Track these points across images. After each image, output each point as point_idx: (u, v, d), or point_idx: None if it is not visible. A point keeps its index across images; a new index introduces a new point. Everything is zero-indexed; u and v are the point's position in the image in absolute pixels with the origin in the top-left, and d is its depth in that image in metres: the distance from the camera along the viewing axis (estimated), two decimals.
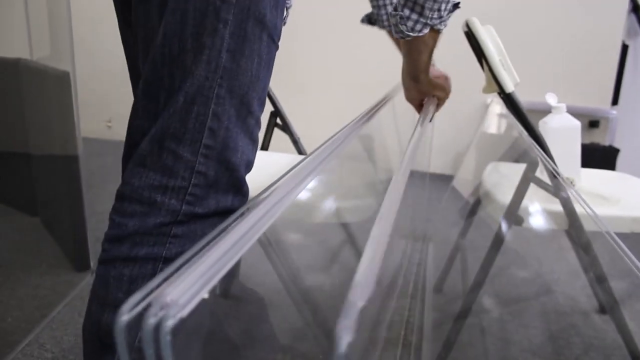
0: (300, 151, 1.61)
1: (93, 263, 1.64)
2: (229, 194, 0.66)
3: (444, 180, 2.55)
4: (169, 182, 0.63)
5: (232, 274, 1.08)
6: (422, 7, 0.83)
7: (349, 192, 1.27)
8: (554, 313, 1.54)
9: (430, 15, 0.84)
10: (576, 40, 2.66)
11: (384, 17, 1.11)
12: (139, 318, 0.27)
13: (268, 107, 1.51)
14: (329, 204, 1.19)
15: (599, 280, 1.25)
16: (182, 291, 0.28)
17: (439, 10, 0.84)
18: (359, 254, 1.54)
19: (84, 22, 3.06)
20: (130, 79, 0.84)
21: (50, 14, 1.80)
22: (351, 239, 1.52)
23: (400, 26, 0.86)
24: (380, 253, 0.33)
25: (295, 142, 1.61)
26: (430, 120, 0.97)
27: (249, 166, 0.68)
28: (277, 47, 0.69)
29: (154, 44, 0.62)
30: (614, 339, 1.37)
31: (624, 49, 2.67)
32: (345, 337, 0.25)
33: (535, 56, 2.68)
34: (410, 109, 1.07)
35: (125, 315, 0.27)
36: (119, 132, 3.36)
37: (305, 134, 1.67)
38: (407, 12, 0.84)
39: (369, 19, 1.17)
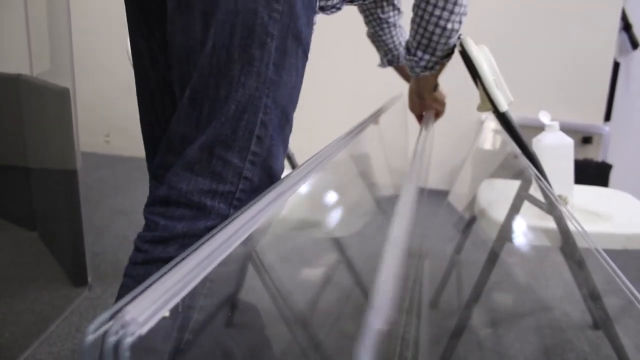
0: (293, 166, 1.63)
1: (90, 278, 1.65)
2: None
3: (439, 195, 2.56)
4: (218, 187, 0.66)
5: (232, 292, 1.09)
6: (434, 49, 0.96)
7: (337, 205, 1.28)
8: (548, 328, 1.55)
9: (441, 55, 0.96)
10: (569, 57, 2.70)
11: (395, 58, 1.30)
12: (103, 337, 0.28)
13: None
14: (316, 217, 1.20)
15: (592, 296, 1.26)
16: (141, 310, 0.29)
17: (448, 47, 0.94)
18: (351, 270, 1.54)
19: (84, 37, 3.08)
20: (137, 88, 0.85)
21: (50, 29, 1.82)
22: (342, 254, 1.53)
23: (415, 69, 1.02)
24: (395, 275, 0.34)
25: (289, 157, 1.63)
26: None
27: (282, 172, 0.72)
28: (307, 60, 0.73)
29: (198, 54, 0.65)
30: (608, 355, 1.38)
31: (616, 66, 2.71)
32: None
33: (528, 73, 2.71)
34: (402, 122, 1.16)
35: (90, 335, 0.28)
36: (117, 146, 3.36)
37: (302, 148, 1.68)
38: (420, 54, 0.98)
39: (389, 62, 1.31)
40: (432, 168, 2.60)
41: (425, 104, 1.16)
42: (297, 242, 1.44)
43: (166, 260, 0.65)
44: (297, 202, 1.20)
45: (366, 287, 1.58)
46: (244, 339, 1.09)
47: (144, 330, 0.28)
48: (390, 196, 1.95)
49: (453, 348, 1.28)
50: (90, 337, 0.28)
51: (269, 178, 0.69)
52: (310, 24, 0.71)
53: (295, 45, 0.68)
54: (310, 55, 0.73)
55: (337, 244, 1.48)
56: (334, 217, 1.23)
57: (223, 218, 0.66)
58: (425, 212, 2.41)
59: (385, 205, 1.79)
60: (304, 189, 0.63)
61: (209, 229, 0.66)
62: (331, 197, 1.26)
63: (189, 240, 0.65)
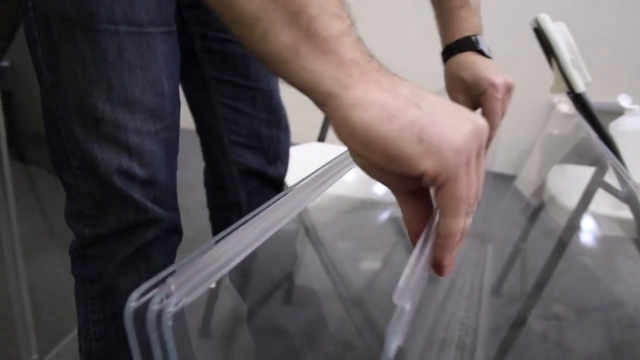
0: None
1: None
2: (127, 209, 0.64)
3: (505, 179, 2.48)
4: (72, 207, 0.66)
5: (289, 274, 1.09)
6: None
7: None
8: (618, 324, 1.48)
9: None
10: None
11: None
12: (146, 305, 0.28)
13: None
14: (376, 197, 1.18)
15: None
16: (186, 279, 0.29)
17: None
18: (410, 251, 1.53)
19: None
20: None
21: None
22: (401, 234, 1.51)
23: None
24: (425, 255, 0.33)
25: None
26: None
27: (126, 174, 0.62)
28: (102, 36, 0.57)
29: None
30: None
31: None
32: (394, 340, 0.26)
33: (608, 54, 2.56)
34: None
35: (133, 302, 0.28)
36: None
37: None
38: None
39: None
40: (499, 151, 2.52)
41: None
42: (357, 222, 1.43)
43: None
44: (356, 182, 1.19)
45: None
46: (300, 317, 1.09)
47: (188, 300, 0.28)
48: None
49: (514, 338, 1.25)
50: (134, 305, 0.28)
51: (107, 187, 0.62)
52: None
53: (67, 29, 0.56)
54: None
55: (397, 223, 1.46)
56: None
57: (82, 238, 0.67)
58: (490, 196, 2.35)
59: None
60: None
61: (75, 250, 0.69)
62: None
63: (70, 259, 0.70)
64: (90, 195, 0.63)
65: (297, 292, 1.11)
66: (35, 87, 0.62)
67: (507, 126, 2.65)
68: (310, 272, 1.40)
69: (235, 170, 0.87)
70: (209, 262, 0.31)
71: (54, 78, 0.59)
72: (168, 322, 0.27)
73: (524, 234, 1.55)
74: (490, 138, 0.60)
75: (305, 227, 1.15)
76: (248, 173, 0.88)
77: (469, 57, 0.68)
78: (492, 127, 0.63)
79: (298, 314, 1.12)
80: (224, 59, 0.80)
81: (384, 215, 1.37)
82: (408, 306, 0.27)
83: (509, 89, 0.65)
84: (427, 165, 0.31)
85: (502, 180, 2.52)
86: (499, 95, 0.63)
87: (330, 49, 0.32)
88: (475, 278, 1.71)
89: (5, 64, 2.35)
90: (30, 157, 2.16)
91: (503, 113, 0.66)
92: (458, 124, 0.32)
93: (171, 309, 0.27)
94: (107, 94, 0.58)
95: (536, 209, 1.48)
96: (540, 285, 1.18)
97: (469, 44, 0.68)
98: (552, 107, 2.54)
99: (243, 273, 0.98)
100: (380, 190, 1.18)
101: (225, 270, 0.31)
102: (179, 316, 0.28)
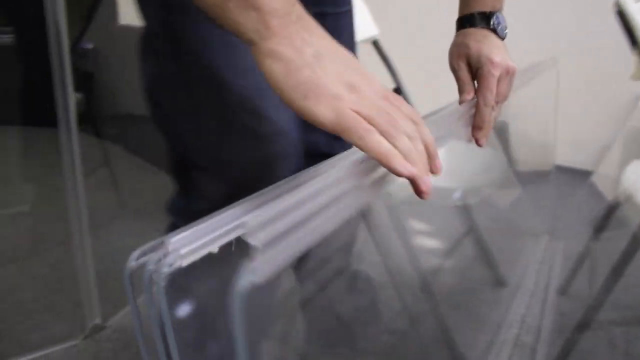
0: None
1: None
2: None
3: (580, 175, 2.36)
4: (197, 205, 0.71)
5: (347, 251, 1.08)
6: None
7: (465, 171, 1.21)
8: None
9: None
10: None
11: None
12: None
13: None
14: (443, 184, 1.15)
15: None
16: (186, 242, 0.29)
17: None
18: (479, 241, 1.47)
19: None
20: None
21: None
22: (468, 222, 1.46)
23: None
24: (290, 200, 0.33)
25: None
26: None
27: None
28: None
29: None
30: None
31: None
32: (246, 277, 0.30)
33: None
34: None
35: (132, 262, 0.29)
36: None
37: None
38: None
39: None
40: (572, 145, 2.39)
41: None
42: (418, 210, 1.39)
43: None
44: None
45: (492, 260, 1.50)
46: (355, 303, 1.09)
47: (184, 262, 0.29)
48: (527, 172, 1.83)
49: (576, 341, 1.18)
50: (133, 264, 0.29)
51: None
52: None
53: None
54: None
55: (464, 211, 1.42)
56: (459, 184, 1.17)
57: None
58: (562, 192, 2.24)
59: (523, 179, 1.69)
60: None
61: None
62: (460, 163, 1.20)
63: None
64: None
65: (353, 277, 1.10)
66: (115, 70, 0.65)
67: (582, 119, 2.50)
68: (368, 258, 1.39)
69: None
70: (212, 227, 0.31)
71: (177, 70, 0.62)
72: (161, 283, 0.27)
73: (597, 233, 1.47)
74: (483, 116, 0.63)
75: (363, 213, 1.13)
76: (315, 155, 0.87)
77: (480, 32, 0.67)
78: (485, 104, 0.63)
79: (353, 299, 1.11)
80: None
81: (448, 204, 1.33)
82: (259, 244, 0.29)
83: (508, 71, 0.64)
84: (311, 117, 0.39)
85: (575, 176, 2.40)
86: (496, 72, 0.63)
87: (252, 3, 0.39)
88: (541, 276, 1.64)
89: (90, 46, 2.47)
90: (108, 135, 2.26)
91: (503, 96, 0.65)
92: (343, 88, 0.39)
93: (165, 269, 0.28)
94: (241, 82, 0.61)
95: (611, 207, 1.40)
96: (608, 287, 1.12)
97: (483, 20, 0.68)
98: (637, 99, 2.37)
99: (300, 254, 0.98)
100: (444, 178, 1.14)
101: (230, 237, 0.31)
102: (176, 277, 0.28)
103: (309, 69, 0.39)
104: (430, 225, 1.62)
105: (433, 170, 0.43)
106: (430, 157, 0.42)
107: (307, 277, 1.00)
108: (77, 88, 2.19)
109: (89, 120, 2.20)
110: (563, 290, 1.54)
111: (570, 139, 2.29)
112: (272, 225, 0.32)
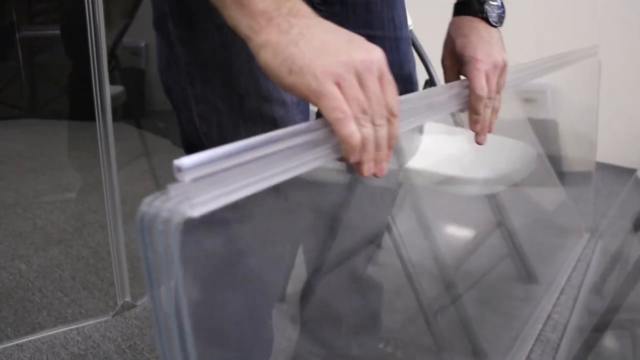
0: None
1: None
2: None
3: (626, 173, 2.26)
4: None
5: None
6: None
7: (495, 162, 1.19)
8: None
9: None
10: None
11: None
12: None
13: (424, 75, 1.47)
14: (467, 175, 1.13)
15: None
16: (200, 193, 0.31)
17: None
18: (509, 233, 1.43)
19: None
20: None
21: None
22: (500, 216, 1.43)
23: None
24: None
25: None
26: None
27: None
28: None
29: None
30: None
31: None
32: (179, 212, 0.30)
33: None
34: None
35: (145, 207, 0.30)
36: None
37: None
38: None
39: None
40: (622, 143, 2.29)
41: None
42: (446, 199, 1.38)
43: None
44: (446, 158, 1.15)
45: (523, 255, 1.47)
46: (356, 310, 1.09)
47: (195, 212, 0.30)
48: (569, 170, 1.78)
49: (598, 339, 1.15)
50: (145, 209, 0.30)
51: None
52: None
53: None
54: None
55: (492, 200, 1.39)
56: (486, 174, 1.14)
57: None
58: (605, 190, 2.16)
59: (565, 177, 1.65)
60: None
61: None
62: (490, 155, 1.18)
63: None
64: None
65: (381, 255, 1.08)
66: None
67: (631, 114, 2.39)
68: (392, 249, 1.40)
69: None
70: (221, 179, 0.33)
71: (188, 54, 0.62)
72: (159, 227, 0.29)
73: (636, 230, 1.41)
74: (476, 112, 0.61)
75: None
76: None
77: (468, 23, 0.65)
78: (476, 102, 0.61)
79: (379, 277, 1.09)
80: (344, 8, 0.74)
81: (475, 193, 1.31)
82: (188, 180, 0.31)
83: (495, 66, 0.61)
84: (297, 90, 0.41)
85: (621, 174, 2.30)
86: (480, 67, 0.60)
87: (244, 2, 0.42)
88: (577, 274, 1.59)
89: (142, 44, 2.59)
90: (157, 129, 2.37)
91: (493, 91, 0.62)
92: (326, 56, 0.41)
93: (165, 214, 0.29)
94: (250, 66, 0.60)
95: None
96: (631, 286, 1.08)
97: (474, 8, 0.65)
98: None
99: (332, 224, 0.98)
100: (471, 168, 1.13)
101: (244, 193, 0.33)
102: (178, 223, 0.30)
103: (294, 45, 0.41)
104: (458, 216, 1.60)
105: (377, 161, 0.45)
106: (384, 149, 0.44)
107: (336, 247, 0.99)
108: (127, 85, 2.30)
109: (132, 114, 2.32)
110: (597, 289, 1.49)
111: (613, 135, 2.19)
112: (206, 166, 0.32)
